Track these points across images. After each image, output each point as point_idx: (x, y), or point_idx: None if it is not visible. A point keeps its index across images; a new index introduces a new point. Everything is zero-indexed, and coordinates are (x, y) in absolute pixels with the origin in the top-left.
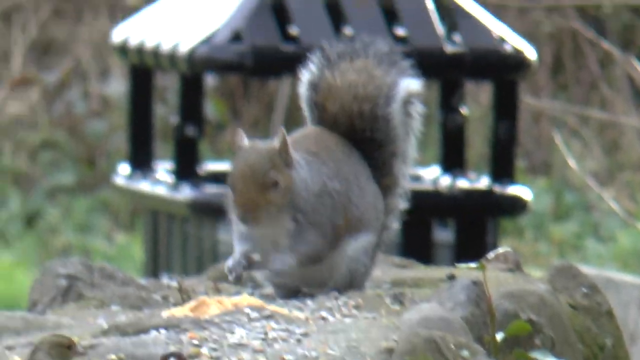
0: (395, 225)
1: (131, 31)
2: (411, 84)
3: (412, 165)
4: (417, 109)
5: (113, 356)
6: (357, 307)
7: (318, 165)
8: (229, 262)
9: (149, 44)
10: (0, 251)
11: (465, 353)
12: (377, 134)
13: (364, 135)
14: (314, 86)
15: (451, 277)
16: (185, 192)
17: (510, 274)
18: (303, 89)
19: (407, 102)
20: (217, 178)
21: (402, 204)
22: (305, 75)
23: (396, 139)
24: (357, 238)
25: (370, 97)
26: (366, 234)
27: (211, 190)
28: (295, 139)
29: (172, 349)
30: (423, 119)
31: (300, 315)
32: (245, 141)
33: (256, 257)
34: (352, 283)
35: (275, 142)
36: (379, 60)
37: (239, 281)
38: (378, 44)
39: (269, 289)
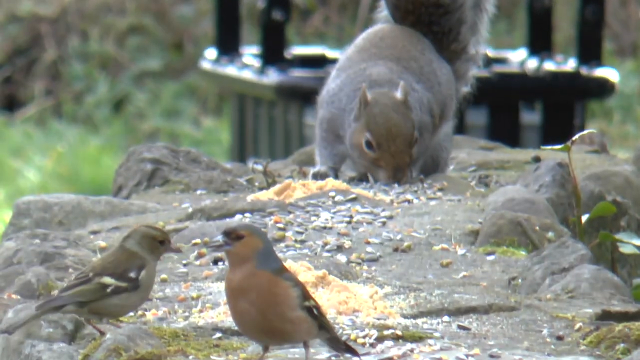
0: (465, 89)
1: None
2: None
3: (484, 42)
4: None
5: (198, 240)
6: (441, 189)
7: (407, 75)
8: (315, 169)
9: None
10: (88, 136)
11: (550, 234)
12: (443, 18)
13: (437, 12)
14: None
15: (536, 159)
16: (272, 76)
17: (595, 156)
18: None
19: None
20: (304, 62)
21: (473, 69)
22: None
23: (463, 6)
24: (440, 129)
25: None
26: (446, 123)
27: (298, 74)
28: (372, 43)
29: None
30: (511, 1)
31: (385, 198)
32: (369, 95)
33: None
34: (435, 169)
35: (399, 95)
36: None
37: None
38: None
39: (352, 173)
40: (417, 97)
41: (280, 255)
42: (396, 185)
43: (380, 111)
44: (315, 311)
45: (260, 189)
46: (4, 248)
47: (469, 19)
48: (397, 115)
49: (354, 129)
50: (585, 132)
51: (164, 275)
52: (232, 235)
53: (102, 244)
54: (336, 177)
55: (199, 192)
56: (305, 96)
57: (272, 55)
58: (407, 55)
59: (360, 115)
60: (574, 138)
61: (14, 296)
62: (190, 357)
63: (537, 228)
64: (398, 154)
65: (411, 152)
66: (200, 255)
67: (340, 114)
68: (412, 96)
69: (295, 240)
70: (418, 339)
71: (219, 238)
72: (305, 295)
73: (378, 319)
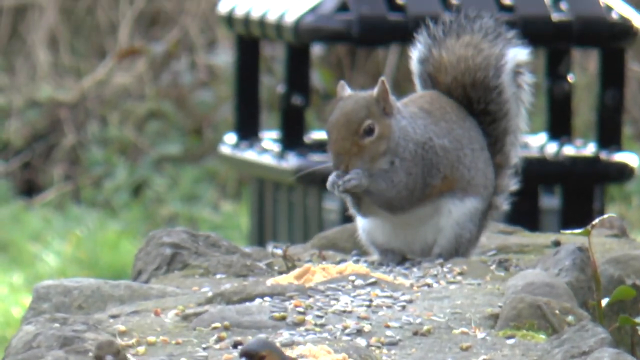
0: (504, 206)
1: (238, 1)
2: (519, 53)
3: (521, 140)
4: (526, 79)
5: (218, 324)
6: (461, 273)
7: (427, 121)
8: (328, 180)
9: (255, 13)
10: (107, 221)
11: (570, 318)
12: (490, 105)
13: (479, 107)
14: (423, 61)
15: (556, 243)
16: (292, 161)
17: (615, 240)
18: (414, 65)
19: (516, 72)
20: (324, 147)
21: (512, 185)
22: (414, 53)
23: (509, 114)
24: (464, 201)
25: (480, 67)
26: (474, 198)
27: (317, 158)
28: (411, 98)
29: (276, 316)
30: (531, 88)
31: (405, 282)
32: (346, 92)
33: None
34: (457, 249)
35: (374, 91)
36: (484, 34)
37: (344, 192)
38: (483, 18)
39: (374, 257)
40: (423, 126)
41: (299, 339)
42: (415, 269)
43: (343, 102)
44: None
45: (280, 273)
46: (23, 332)
47: (514, 127)
48: (354, 105)
49: None
50: (604, 216)
51: (183, 359)
52: (255, 358)
53: (122, 328)
54: None
55: (218, 276)
56: (324, 180)
57: (292, 140)
58: (440, 112)
59: None
60: (593, 222)
61: None
62: None
63: (557, 312)
64: (339, 141)
65: (358, 141)
66: (220, 339)
67: None
68: (416, 120)
69: (315, 324)
70: None
71: None
72: None
73: None
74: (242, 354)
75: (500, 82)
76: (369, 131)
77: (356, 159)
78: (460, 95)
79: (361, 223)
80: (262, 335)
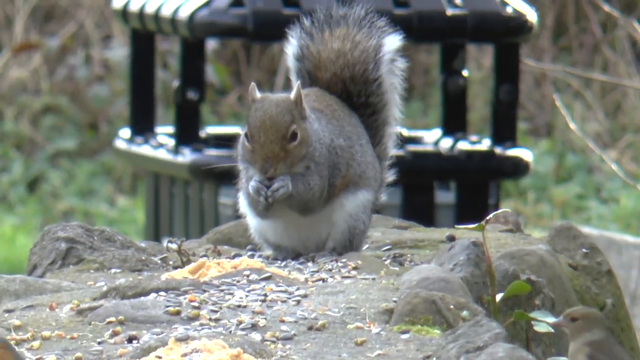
0: (382, 198)
1: None
2: (393, 41)
3: (397, 131)
4: (400, 65)
5: (113, 318)
6: (356, 268)
7: (323, 121)
8: (251, 186)
9: (150, 8)
10: (2, 215)
11: (465, 313)
12: (370, 98)
13: (359, 100)
14: (300, 58)
15: (451, 238)
16: (187, 156)
17: (510, 235)
18: (290, 62)
19: (392, 60)
20: (219, 141)
21: (389, 177)
22: (289, 49)
23: (387, 104)
24: (356, 194)
25: (359, 61)
26: (366, 191)
27: (212, 153)
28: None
29: (171, 311)
30: (404, 73)
31: (300, 276)
32: (258, 93)
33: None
34: (351, 241)
35: (291, 95)
36: (358, 25)
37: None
38: (354, 9)
39: (268, 252)
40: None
41: (194, 333)
42: (310, 264)
43: (262, 105)
44: None
45: (175, 267)
46: None
47: (392, 118)
48: (277, 109)
49: (243, 127)
50: (499, 211)
51: (78, 354)
52: None
53: (17, 322)
54: None
55: (113, 270)
56: (219, 175)
57: (187, 134)
58: (330, 110)
59: (248, 113)
60: (488, 217)
61: None
62: None
63: (452, 307)
64: (268, 144)
65: (286, 147)
66: (114, 334)
67: None
68: (320, 121)
69: (210, 319)
70: None
71: None
72: None
73: None
74: None
75: (380, 74)
76: (294, 136)
77: (282, 163)
78: (339, 90)
79: (252, 222)
80: None
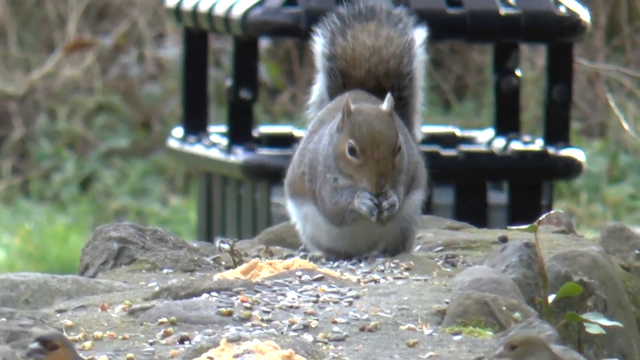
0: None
1: None
2: (421, 34)
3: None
4: (422, 58)
5: (165, 319)
6: (408, 269)
7: None
8: (364, 204)
9: (203, 7)
10: (55, 214)
11: (517, 315)
12: (403, 92)
13: (393, 95)
14: (331, 57)
15: (503, 240)
16: (239, 155)
17: (562, 236)
18: (320, 61)
19: (422, 52)
20: (272, 141)
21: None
22: (319, 47)
23: (417, 94)
24: (410, 196)
25: (394, 56)
26: (418, 191)
27: (265, 152)
28: (336, 105)
29: (223, 311)
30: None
31: (352, 277)
32: (353, 105)
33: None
34: (404, 243)
35: (384, 107)
36: (387, 20)
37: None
38: (381, 3)
39: (319, 252)
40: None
41: (246, 334)
42: (363, 264)
43: (364, 119)
44: None
45: (227, 268)
46: None
47: (418, 106)
48: (381, 122)
49: (337, 139)
50: (552, 212)
51: (130, 354)
52: (48, 345)
53: (69, 322)
54: None
55: (165, 271)
56: (272, 175)
57: (240, 134)
58: None
59: (343, 125)
60: (541, 218)
61: None
62: None
63: (504, 308)
64: (381, 160)
65: (394, 161)
66: (166, 334)
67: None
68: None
69: (262, 320)
70: None
71: (35, 345)
72: None
73: None
74: (36, 339)
75: (413, 68)
76: (399, 149)
77: (391, 178)
78: (373, 87)
79: (303, 228)
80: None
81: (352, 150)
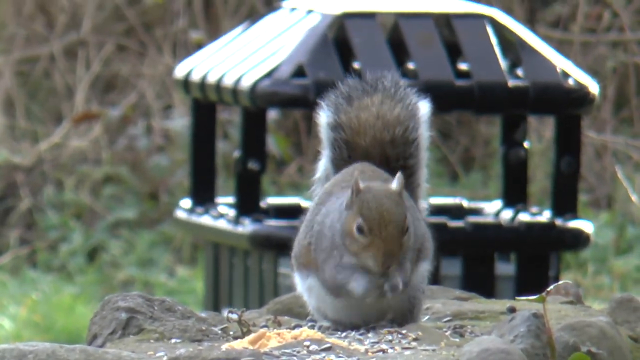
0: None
1: (194, 66)
2: (426, 105)
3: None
4: (427, 126)
5: None
6: (416, 339)
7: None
8: (358, 289)
9: (212, 78)
10: (62, 285)
11: None
12: (409, 160)
13: (397, 164)
14: (336, 126)
15: (511, 310)
16: (247, 226)
17: (570, 307)
18: (324, 132)
19: (427, 121)
20: (279, 212)
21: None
22: (324, 118)
23: (422, 165)
24: (418, 267)
25: (399, 121)
26: (425, 262)
27: (272, 224)
28: (354, 176)
29: None
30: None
31: (360, 347)
32: (362, 183)
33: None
34: (411, 311)
35: (395, 186)
36: (391, 92)
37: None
38: (386, 77)
39: (326, 323)
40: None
41: None
42: (371, 334)
43: (373, 197)
44: None
45: (235, 338)
46: None
47: (423, 179)
48: (390, 202)
49: (346, 217)
50: (560, 282)
51: None
52: None
53: None
54: None
55: (173, 340)
56: (279, 246)
57: (247, 205)
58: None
59: (352, 203)
60: (549, 289)
61: None
62: None
63: None
64: (389, 240)
65: (402, 241)
66: None
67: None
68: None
69: None
70: None
71: None
72: None
73: None
74: None
75: (419, 135)
76: (407, 230)
77: (398, 257)
78: (378, 156)
79: (308, 300)
80: None
81: (360, 229)
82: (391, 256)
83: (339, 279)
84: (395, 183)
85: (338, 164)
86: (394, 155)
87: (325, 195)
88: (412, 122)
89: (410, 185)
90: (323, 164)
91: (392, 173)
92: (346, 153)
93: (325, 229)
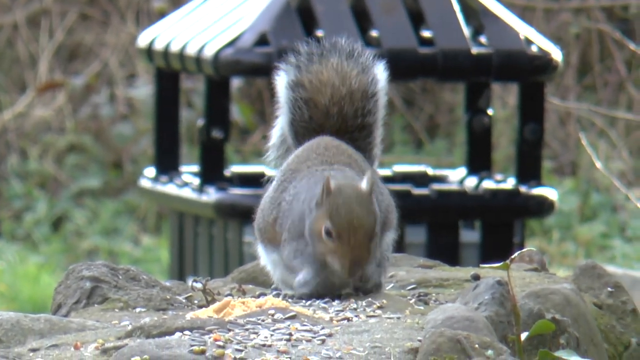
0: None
1: (157, 35)
2: (383, 67)
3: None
4: (385, 86)
5: (137, 358)
6: (381, 307)
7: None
8: (303, 289)
9: (175, 47)
10: (27, 254)
11: (489, 352)
12: (367, 118)
13: (355, 122)
14: (297, 85)
15: (476, 277)
16: (211, 195)
17: (535, 274)
18: (282, 93)
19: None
20: (243, 181)
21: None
22: (283, 78)
23: (380, 124)
24: (383, 238)
25: (358, 76)
26: (390, 232)
27: (237, 192)
28: (318, 152)
29: (196, 350)
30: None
31: (324, 315)
32: (333, 183)
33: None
34: (378, 279)
35: (364, 185)
36: (349, 55)
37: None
38: (344, 41)
39: (291, 292)
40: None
41: None
42: (335, 302)
43: (344, 201)
44: None
45: (200, 306)
46: None
47: (378, 140)
48: (360, 207)
49: (315, 215)
50: (524, 250)
51: None
52: None
53: None
54: None
55: (138, 309)
56: (244, 214)
57: (211, 173)
58: (355, 164)
59: (322, 202)
60: (513, 256)
61: None
62: None
63: (477, 346)
64: (357, 247)
65: (370, 247)
66: None
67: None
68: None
69: (235, 358)
70: None
71: None
72: None
73: None
74: None
75: (377, 90)
76: (375, 235)
77: (366, 263)
78: (336, 114)
79: (273, 271)
80: None
81: (328, 233)
82: (359, 262)
83: (294, 264)
84: (365, 182)
85: (297, 126)
86: (352, 112)
87: (290, 173)
88: (371, 77)
89: (367, 146)
90: (279, 129)
91: (353, 134)
92: (307, 113)
93: (293, 212)
